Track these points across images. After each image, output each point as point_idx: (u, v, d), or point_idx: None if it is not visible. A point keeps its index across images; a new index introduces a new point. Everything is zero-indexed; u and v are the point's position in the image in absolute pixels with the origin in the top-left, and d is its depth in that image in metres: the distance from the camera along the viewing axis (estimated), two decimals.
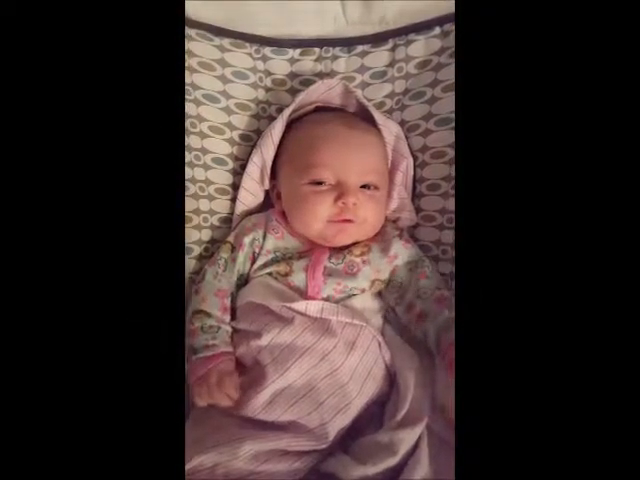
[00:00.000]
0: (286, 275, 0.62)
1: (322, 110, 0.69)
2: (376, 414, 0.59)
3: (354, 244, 0.65)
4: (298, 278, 0.62)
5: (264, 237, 0.65)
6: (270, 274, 0.63)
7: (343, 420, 0.56)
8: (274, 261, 0.64)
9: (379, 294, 0.67)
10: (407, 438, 0.54)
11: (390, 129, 0.68)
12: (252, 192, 0.70)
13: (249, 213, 0.72)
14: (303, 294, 0.61)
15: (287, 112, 0.66)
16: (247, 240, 0.65)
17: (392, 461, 0.52)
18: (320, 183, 0.61)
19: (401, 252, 0.65)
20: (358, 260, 0.63)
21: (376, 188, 0.64)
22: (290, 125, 0.69)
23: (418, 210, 0.71)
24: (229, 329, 0.61)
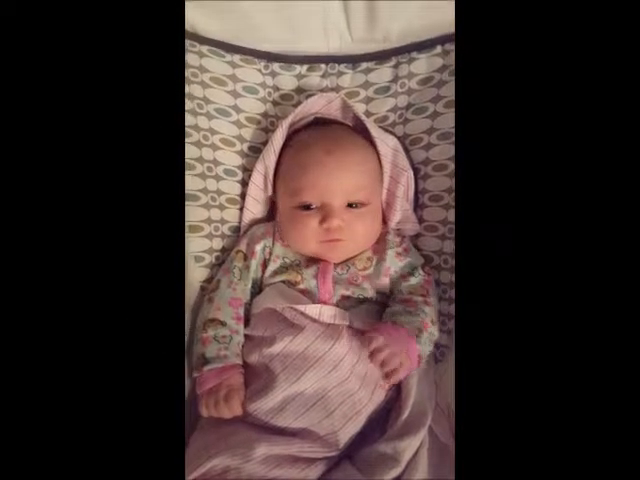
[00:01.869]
0: (297, 283, 0.63)
1: (321, 122, 0.70)
2: (381, 420, 0.59)
3: (356, 255, 0.66)
4: (310, 285, 0.63)
5: (273, 244, 0.66)
6: (283, 282, 0.64)
7: (354, 427, 0.56)
8: (283, 267, 0.65)
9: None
10: (410, 446, 0.54)
11: (387, 142, 0.68)
12: (258, 200, 0.71)
13: (256, 221, 0.73)
14: (315, 300, 0.62)
15: (287, 122, 0.67)
16: (259, 248, 0.66)
17: (397, 471, 0.53)
18: (307, 207, 0.62)
19: (393, 264, 0.67)
20: (361, 274, 0.65)
21: (363, 204, 0.63)
22: (291, 136, 0.69)
23: (421, 220, 0.72)
24: (241, 340, 0.61)
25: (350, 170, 0.63)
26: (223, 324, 0.61)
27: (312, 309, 0.59)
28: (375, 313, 0.65)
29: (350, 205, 0.63)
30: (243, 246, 0.68)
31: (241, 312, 0.64)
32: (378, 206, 0.69)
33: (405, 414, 0.57)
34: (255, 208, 0.72)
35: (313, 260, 0.65)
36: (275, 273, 0.65)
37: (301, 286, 0.63)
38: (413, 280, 0.66)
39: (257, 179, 0.70)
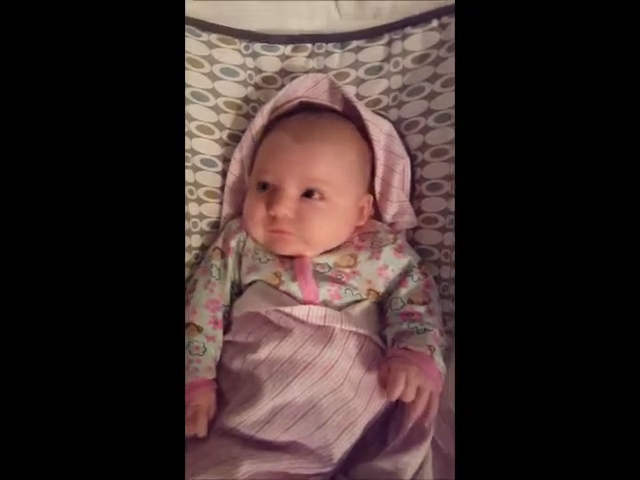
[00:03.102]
0: (277, 286, 0.59)
1: (307, 107, 0.66)
2: (379, 432, 0.56)
3: (335, 251, 0.61)
4: (291, 288, 0.58)
5: (246, 238, 0.63)
6: (262, 282, 0.60)
7: (349, 440, 0.52)
8: (255, 261, 0.61)
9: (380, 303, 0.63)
10: (413, 461, 0.51)
11: (380, 127, 0.64)
12: (236, 191, 0.68)
13: (236, 215, 0.69)
14: (300, 302, 0.57)
15: (267, 107, 0.64)
16: (234, 243, 0.63)
17: None
18: (263, 186, 0.60)
19: (391, 262, 0.62)
20: (347, 271, 0.60)
21: (322, 198, 0.58)
22: (274, 122, 0.66)
23: (418, 212, 0.68)
24: (218, 347, 0.58)
25: (316, 158, 0.59)
26: (199, 329, 0.58)
27: (300, 310, 0.55)
28: (370, 313, 0.60)
29: (307, 195, 0.58)
30: (219, 242, 0.65)
31: (219, 315, 0.60)
32: (346, 207, 0.61)
33: (407, 426, 0.53)
34: (234, 201, 0.69)
35: (286, 257, 0.61)
36: (249, 270, 0.61)
37: (282, 288, 0.59)
38: (411, 284, 0.61)
39: (235, 169, 0.67)
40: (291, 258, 0.61)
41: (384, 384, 0.52)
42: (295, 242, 0.59)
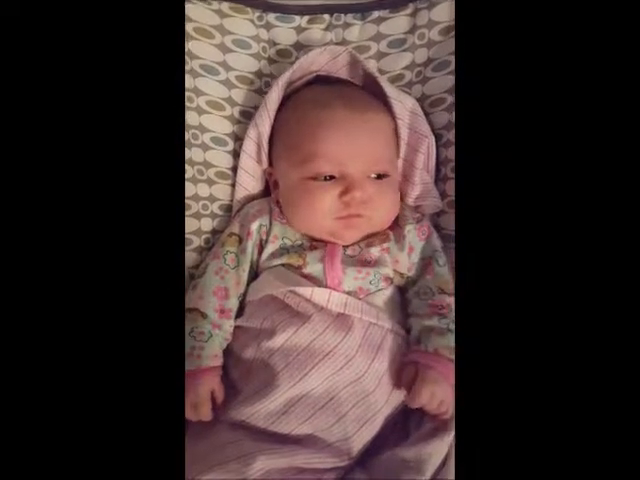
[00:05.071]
0: (300, 267, 0.57)
1: (324, 80, 0.64)
2: (400, 424, 0.55)
3: (371, 235, 0.61)
4: (315, 269, 0.57)
5: (270, 223, 0.61)
6: (282, 266, 0.58)
7: (368, 433, 0.52)
8: (283, 249, 0.60)
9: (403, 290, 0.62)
10: (435, 452, 0.50)
11: (404, 104, 0.62)
12: (251, 173, 0.66)
13: (251, 198, 0.67)
14: (322, 287, 0.56)
15: (283, 80, 0.61)
16: (254, 227, 0.60)
17: None
18: (325, 177, 0.57)
19: (416, 245, 0.61)
20: (376, 249, 0.59)
21: (386, 176, 0.59)
22: (290, 97, 0.63)
23: (443, 195, 0.66)
24: (225, 335, 0.57)
25: (376, 134, 0.59)
26: (204, 316, 0.57)
27: (320, 293, 0.54)
28: (393, 301, 0.59)
29: (372, 176, 0.58)
30: (236, 228, 0.62)
31: (226, 304, 0.58)
32: (396, 179, 0.63)
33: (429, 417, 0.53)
34: (249, 183, 0.66)
35: (317, 241, 0.60)
36: (273, 256, 0.60)
37: (304, 270, 0.57)
38: (438, 269, 0.60)
39: (249, 148, 0.65)
40: (324, 242, 0.59)
41: (408, 388, 0.52)
42: (363, 224, 0.59)
